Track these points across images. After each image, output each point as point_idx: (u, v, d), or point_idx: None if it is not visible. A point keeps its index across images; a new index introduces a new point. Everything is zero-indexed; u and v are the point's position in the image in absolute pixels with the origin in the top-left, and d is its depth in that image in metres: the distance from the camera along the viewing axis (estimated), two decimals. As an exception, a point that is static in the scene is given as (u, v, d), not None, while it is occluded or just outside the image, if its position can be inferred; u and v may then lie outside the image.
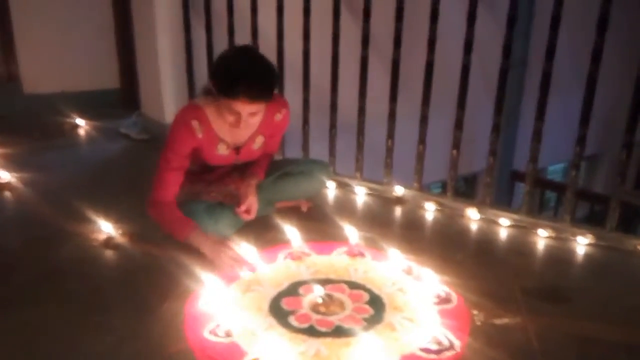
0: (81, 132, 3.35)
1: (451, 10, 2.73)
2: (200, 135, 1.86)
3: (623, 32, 3.55)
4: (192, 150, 1.89)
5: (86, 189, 2.47)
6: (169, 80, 3.19)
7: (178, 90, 3.20)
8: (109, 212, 2.07)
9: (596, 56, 2.07)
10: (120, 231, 1.98)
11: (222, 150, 1.95)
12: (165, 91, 3.21)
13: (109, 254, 1.88)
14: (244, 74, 1.72)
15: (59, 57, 3.67)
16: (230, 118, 1.80)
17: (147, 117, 3.45)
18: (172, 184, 1.88)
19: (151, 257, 1.85)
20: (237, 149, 1.99)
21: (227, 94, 1.73)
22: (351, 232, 1.95)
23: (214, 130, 1.90)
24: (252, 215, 1.96)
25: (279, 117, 2.01)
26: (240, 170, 2.07)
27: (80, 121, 3.40)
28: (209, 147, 1.92)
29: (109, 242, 1.93)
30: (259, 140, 2.02)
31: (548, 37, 2.14)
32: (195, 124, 1.85)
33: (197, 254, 1.82)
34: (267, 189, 2.09)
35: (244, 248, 1.83)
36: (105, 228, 1.97)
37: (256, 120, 1.85)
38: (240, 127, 1.81)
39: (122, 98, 3.83)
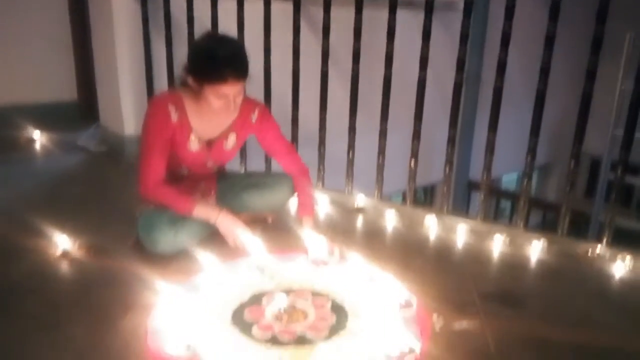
0: (37, 145, 3.27)
1: (408, 28, 2.82)
2: (174, 120, 1.91)
3: (571, 48, 3.74)
4: (168, 140, 1.92)
5: (42, 203, 2.41)
6: (128, 93, 3.15)
7: (137, 103, 3.16)
8: (66, 226, 2.02)
9: (544, 71, 2.18)
10: (77, 245, 1.94)
11: (194, 145, 1.98)
12: (125, 103, 3.17)
13: (65, 268, 1.84)
14: (227, 58, 1.80)
15: (14, 69, 3.58)
16: (217, 103, 1.85)
17: (106, 129, 3.39)
18: (158, 168, 1.90)
19: (111, 270, 1.82)
20: (209, 145, 2.01)
21: (215, 79, 1.80)
22: (313, 241, 1.97)
23: (187, 119, 1.94)
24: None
25: (254, 117, 2.07)
26: (210, 180, 2.09)
27: (36, 134, 3.31)
28: (181, 137, 1.95)
29: (65, 257, 1.89)
30: (232, 139, 2.06)
31: (499, 53, 2.25)
32: (171, 107, 1.90)
33: (159, 266, 1.81)
34: (230, 201, 2.08)
35: (206, 257, 1.83)
36: (62, 242, 1.92)
37: (239, 100, 1.90)
38: (230, 108, 1.90)
39: (80, 110, 3.76)
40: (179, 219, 1.92)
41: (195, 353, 1.42)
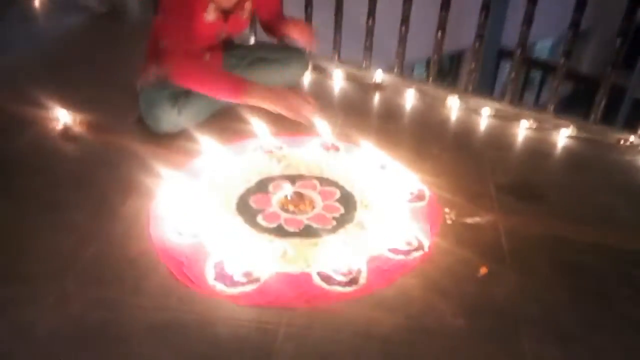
0: (35, 2, 3.03)
1: None
2: None
3: None
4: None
5: (41, 69, 2.27)
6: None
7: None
8: (66, 96, 1.92)
9: None
10: (78, 120, 1.85)
11: (211, 15, 1.75)
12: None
13: (66, 145, 1.77)
14: None
15: None
16: None
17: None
18: (194, 35, 1.68)
19: (112, 149, 1.74)
20: (225, 16, 1.80)
21: None
22: (325, 124, 1.84)
23: None
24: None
25: None
26: (215, 51, 1.91)
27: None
28: (200, 6, 1.71)
29: (66, 132, 1.81)
30: (248, 7, 1.85)
31: None
32: None
33: (161, 146, 1.73)
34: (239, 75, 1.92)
35: (210, 139, 1.74)
36: (62, 116, 1.84)
37: None
38: None
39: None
40: (182, 96, 1.79)
41: (199, 241, 1.39)
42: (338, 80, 2.31)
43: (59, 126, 1.82)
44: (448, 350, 1.16)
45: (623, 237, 1.52)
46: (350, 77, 2.33)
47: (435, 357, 1.14)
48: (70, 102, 1.90)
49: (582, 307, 1.29)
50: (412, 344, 1.17)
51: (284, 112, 1.69)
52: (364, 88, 2.29)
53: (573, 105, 2.23)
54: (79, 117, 1.86)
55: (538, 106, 2.22)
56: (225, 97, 1.72)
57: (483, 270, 1.36)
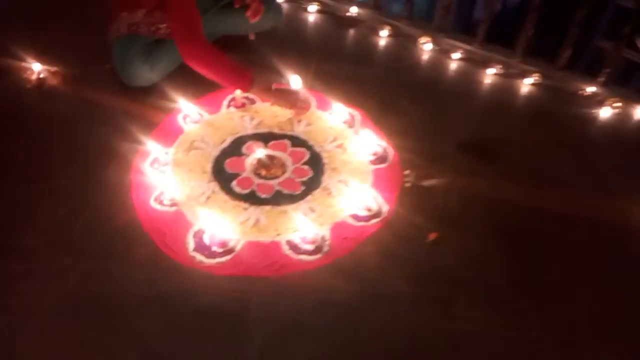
0: None
1: None
2: None
3: None
4: None
5: (15, 17, 2.19)
6: None
7: None
8: (33, 42, 1.91)
9: None
10: (53, 71, 1.87)
11: None
12: None
13: (44, 101, 1.81)
14: None
15: None
16: None
17: None
18: (197, 14, 1.71)
19: (89, 106, 1.80)
20: None
21: None
22: (297, 78, 1.88)
23: None
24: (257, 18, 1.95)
25: None
26: None
27: None
28: None
29: (41, 85, 1.84)
30: None
31: None
32: None
33: (137, 101, 1.80)
34: (209, 20, 1.91)
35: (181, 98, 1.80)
36: (37, 67, 1.85)
37: None
38: None
39: None
40: (153, 50, 1.81)
41: (179, 210, 1.53)
42: (312, 14, 2.27)
43: (34, 78, 1.85)
44: (392, 315, 1.35)
45: (563, 200, 1.66)
46: (325, 10, 2.29)
47: (381, 321, 1.34)
48: (38, 48, 1.89)
49: (515, 273, 1.47)
50: (364, 309, 1.36)
51: (285, 107, 1.81)
52: (338, 22, 2.26)
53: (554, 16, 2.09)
54: (53, 68, 1.88)
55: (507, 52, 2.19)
56: (230, 87, 1.78)
57: (432, 236, 1.53)
